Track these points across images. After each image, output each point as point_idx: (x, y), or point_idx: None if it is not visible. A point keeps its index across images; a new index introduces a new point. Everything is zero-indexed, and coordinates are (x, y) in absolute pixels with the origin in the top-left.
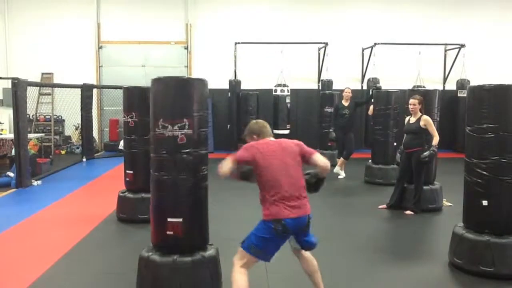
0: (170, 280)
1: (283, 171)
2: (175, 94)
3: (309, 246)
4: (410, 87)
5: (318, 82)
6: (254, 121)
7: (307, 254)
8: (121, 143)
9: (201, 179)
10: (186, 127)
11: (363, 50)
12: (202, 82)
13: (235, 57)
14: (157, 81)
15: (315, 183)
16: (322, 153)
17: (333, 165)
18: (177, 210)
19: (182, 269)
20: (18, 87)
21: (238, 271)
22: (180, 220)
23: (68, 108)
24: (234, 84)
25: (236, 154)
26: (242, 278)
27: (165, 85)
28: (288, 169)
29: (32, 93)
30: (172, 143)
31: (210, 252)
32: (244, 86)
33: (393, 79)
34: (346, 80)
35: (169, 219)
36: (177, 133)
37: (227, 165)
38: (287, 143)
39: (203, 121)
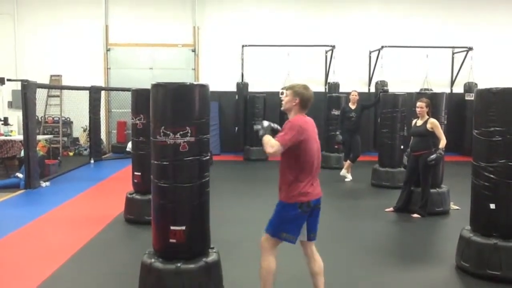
0: (173, 286)
1: (317, 154)
2: (176, 101)
3: (315, 231)
4: (418, 90)
5: (325, 85)
6: (306, 85)
7: (315, 252)
8: (129, 145)
9: (203, 186)
10: (188, 134)
11: (370, 53)
12: (203, 88)
13: (242, 59)
14: (157, 87)
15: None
16: (328, 156)
17: (340, 168)
18: (180, 217)
19: (185, 276)
20: (27, 89)
21: (269, 255)
22: (183, 228)
23: (76, 110)
24: (242, 86)
25: (286, 138)
26: (273, 262)
27: (166, 91)
28: (319, 151)
29: (41, 95)
30: (174, 151)
31: (212, 257)
32: (251, 88)
33: (400, 82)
34: (353, 83)
35: (171, 227)
36: (179, 141)
37: (277, 149)
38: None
39: (205, 128)
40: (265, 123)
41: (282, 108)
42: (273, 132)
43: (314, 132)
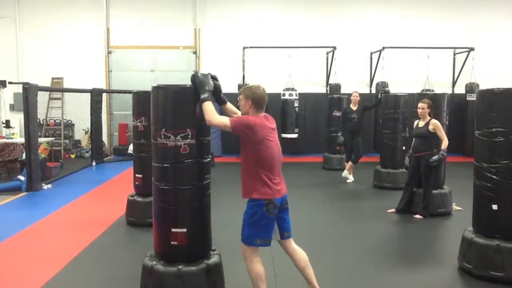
0: None
1: (278, 152)
2: (177, 103)
3: (288, 229)
4: (419, 91)
5: (326, 86)
6: (257, 85)
7: (296, 248)
8: (130, 147)
9: (204, 188)
10: (189, 137)
11: (371, 54)
12: None
13: (244, 61)
14: (158, 89)
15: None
16: (330, 157)
17: (342, 169)
18: (181, 219)
19: (187, 278)
20: (29, 92)
21: (254, 262)
22: (184, 230)
23: (77, 112)
24: None
25: (237, 122)
26: (260, 267)
27: (166, 93)
28: (279, 148)
29: (42, 97)
30: (174, 153)
31: (214, 259)
32: None
33: (402, 83)
34: (355, 84)
35: (173, 229)
36: (180, 143)
37: (222, 125)
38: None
39: (206, 130)
40: (210, 85)
41: (240, 113)
42: (217, 100)
43: (273, 128)
